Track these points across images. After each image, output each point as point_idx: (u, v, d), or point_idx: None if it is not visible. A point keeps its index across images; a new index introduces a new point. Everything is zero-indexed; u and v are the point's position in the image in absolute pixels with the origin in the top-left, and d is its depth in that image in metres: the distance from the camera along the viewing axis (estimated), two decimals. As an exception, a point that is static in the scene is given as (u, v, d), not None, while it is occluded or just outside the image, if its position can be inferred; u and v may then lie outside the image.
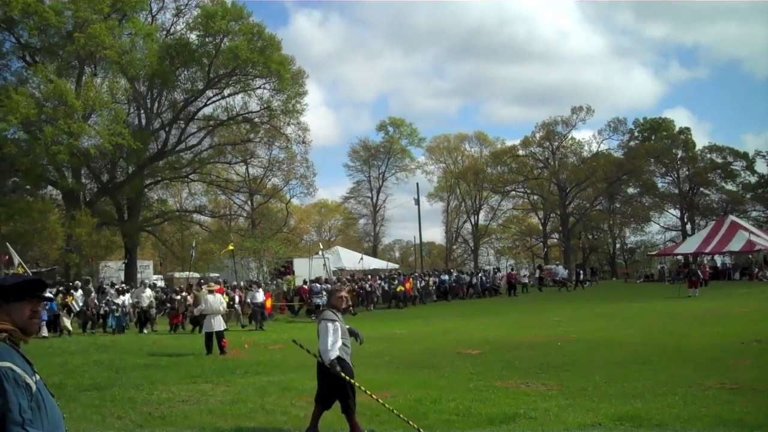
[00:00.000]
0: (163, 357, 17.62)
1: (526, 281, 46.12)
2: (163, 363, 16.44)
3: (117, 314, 26.52)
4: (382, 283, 37.95)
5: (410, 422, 8.24)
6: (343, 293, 9.30)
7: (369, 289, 36.09)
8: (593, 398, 10.41)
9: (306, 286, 33.78)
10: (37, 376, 3.44)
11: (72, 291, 27.13)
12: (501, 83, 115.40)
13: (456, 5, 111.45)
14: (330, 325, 8.52)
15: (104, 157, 38.56)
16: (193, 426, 9.45)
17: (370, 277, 37.68)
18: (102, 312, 27.11)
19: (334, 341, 8.46)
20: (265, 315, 27.96)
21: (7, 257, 27.35)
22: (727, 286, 40.34)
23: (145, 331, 26.43)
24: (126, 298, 27.47)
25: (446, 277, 42.69)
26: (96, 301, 27.22)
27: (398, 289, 36.38)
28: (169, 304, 27.87)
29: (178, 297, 27.49)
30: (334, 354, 8.42)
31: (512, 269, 48.54)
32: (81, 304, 26.98)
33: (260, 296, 27.67)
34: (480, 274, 45.21)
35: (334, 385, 8.52)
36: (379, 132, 73.18)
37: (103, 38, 33.51)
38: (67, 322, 25.48)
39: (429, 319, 28.28)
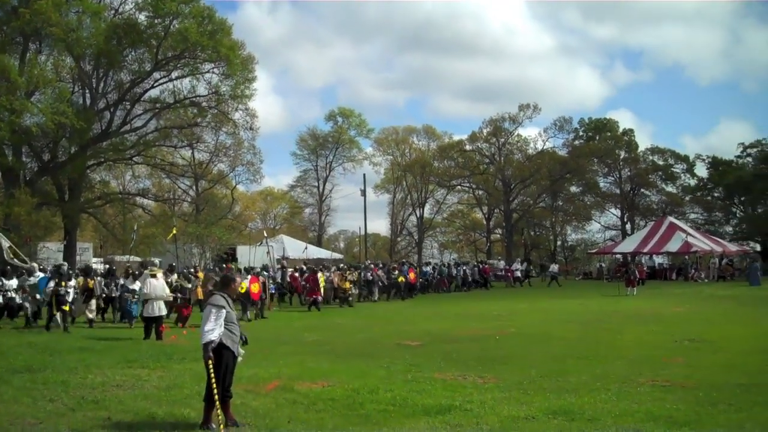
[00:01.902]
0: (99, 341, 17.33)
1: (519, 275, 46.53)
2: (99, 347, 16.18)
3: (135, 303, 21.61)
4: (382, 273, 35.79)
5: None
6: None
7: (370, 278, 34.14)
8: (528, 392, 10.56)
9: (296, 274, 32.22)
10: None
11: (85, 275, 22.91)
12: (449, 77, 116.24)
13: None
14: (214, 310, 8.41)
15: (46, 136, 37.68)
16: (127, 411, 9.32)
17: (372, 266, 35.84)
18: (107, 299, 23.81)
19: (215, 326, 8.33)
20: (254, 302, 24.75)
21: None
22: (663, 286, 41.26)
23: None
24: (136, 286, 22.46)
25: (428, 269, 42.13)
26: (105, 287, 23.69)
27: (399, 280, 34.96)
28: (180, 294, 22.27)
29: (189, 285, 23.56)
30: (210, 337, 8.28)
31: (484, 263, 48.03)
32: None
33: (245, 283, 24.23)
34: (464, 267, 44.16)
35: (206, 368, 8.40)
36: (328, 121, 73.08)
37: (49, 15, 32.70)
38: (87, 309, 21.83)
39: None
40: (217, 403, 8.12)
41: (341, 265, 38.71)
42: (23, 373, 12.25)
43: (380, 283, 34.43)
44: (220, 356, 8.39)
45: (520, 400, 9.91)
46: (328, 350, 15.80)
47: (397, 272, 35.56)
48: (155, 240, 41.29)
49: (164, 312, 18.25)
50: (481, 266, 45.84)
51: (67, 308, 20.56)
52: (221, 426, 8.03)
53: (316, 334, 18.77)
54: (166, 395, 10.33)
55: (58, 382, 11.39)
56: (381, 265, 38.33)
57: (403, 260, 45.88)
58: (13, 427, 8.51)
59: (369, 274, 34.09)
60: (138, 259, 35.02)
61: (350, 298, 30.86)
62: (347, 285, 31.00)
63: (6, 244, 25.15)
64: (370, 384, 11.05)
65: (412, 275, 36.43)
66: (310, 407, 9.48)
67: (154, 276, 18.87)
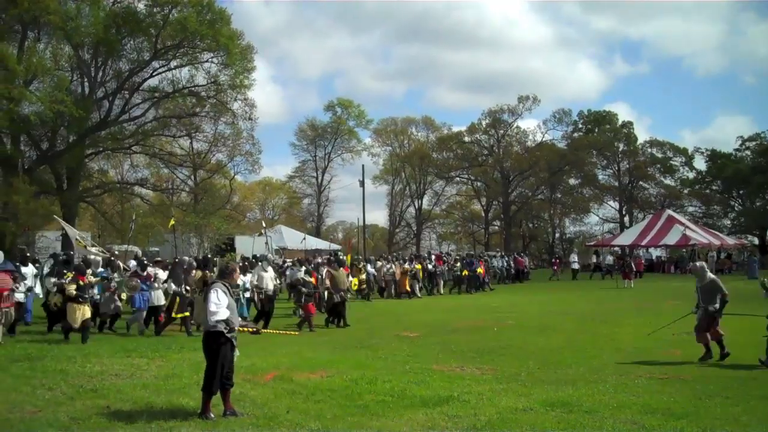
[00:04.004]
0: (97, 332, 17.30)
1: (576, 267, 44.48)
2: (98, 336, 16.21)
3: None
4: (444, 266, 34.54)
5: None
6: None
7: (432, 270, 32.83)
8: (526, 383, 10.62)
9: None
10: None
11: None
12: (447, 68, 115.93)
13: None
14: (218, 290, 8.61)
15: (45, 125, 37.49)
16: (125, 400, 9.35)
17: (434, 258, 34.60)
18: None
19: (219, 306, 8.49)
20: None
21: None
22: (661, 279, 41.32)
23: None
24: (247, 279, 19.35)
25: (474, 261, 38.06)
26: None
27: (463, 273, 33.46)
28: (303, 287, 19.52)
29: (310, 278, 20.59)
30: (219, 317, 8.45)
31: (519, 254, 46.25)
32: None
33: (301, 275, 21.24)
34: (506, 258, 42.59)
35: (206, 357, 8.53)
36: (326, 112, 72.80)
37: (47, 3, 32.51)
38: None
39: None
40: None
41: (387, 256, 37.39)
42: (22, 361, 12.27)
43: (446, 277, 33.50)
44: (219, 345, 8.44)
45: (518, 392, 9.95)
46: (326, 341, 15.85)
47: (458, 265, 34.33)
48: (154, 229, 41.22)
49: (163, 301, 17.92)
50: (516, 257, 43.95)
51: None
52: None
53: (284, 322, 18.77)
54: (165, 384, 10.35)
55: (56, 370, 11.42)
56: (445, 257, 37.10)
57: (471, 252, 44.47)
58: (13, 416, 8.52)
59: (432, 266, 32.96)
60: (136, 248, 35.00)
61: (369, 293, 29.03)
62: (406, 281, 29.68)
63: (74, 233, 24.84)
64: (369, 375, 11.10)
65: (481, 269, 34.81)
66: (309, 397, 9.52)
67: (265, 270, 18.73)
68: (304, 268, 21.67)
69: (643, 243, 49.97)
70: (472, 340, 15.65)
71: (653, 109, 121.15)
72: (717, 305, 12.97)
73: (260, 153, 50.58)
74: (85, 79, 39.94)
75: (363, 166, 57.55)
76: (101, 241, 50.74)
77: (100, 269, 18.17)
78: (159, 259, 21.29)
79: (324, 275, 21.24)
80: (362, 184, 54.45)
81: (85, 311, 15.35)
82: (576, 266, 44.54)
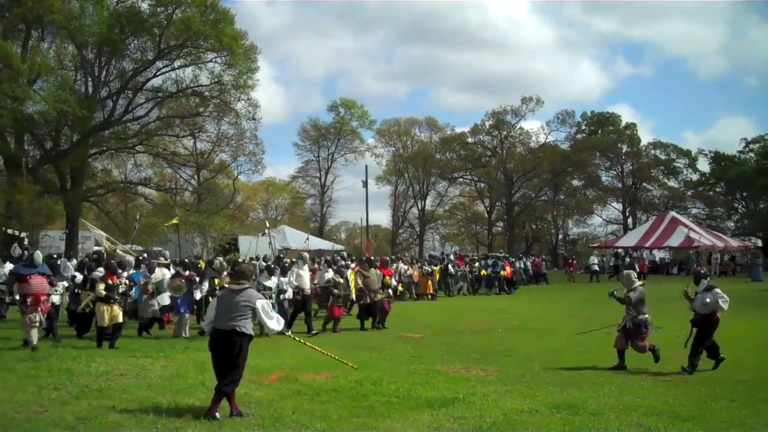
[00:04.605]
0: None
1: (597, 269, 43.73)
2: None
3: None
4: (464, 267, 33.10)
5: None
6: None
7: (452, 271, 31.71)
8: (531, 385, 10.62)
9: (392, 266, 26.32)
10: None
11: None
12: (450, 69, 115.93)
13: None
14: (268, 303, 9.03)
15: (49, 124, 37.64)
16: (131, 400, 9.35)
17: (452, 257, 33.89)
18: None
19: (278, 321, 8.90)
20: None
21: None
22: (665, 281, 41.23)
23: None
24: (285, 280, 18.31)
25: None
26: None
27: (482, 273, 32.84)
28: (335, 288, 18.68)
29: (341, 280, 19.27)
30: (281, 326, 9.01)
31: (536, 256, 45.59)
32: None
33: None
34: (524, 260, 41.72)
35: (237, 356, 8.61)
36: (330, 112, 72.91)
37: (51, 2, 32.60)
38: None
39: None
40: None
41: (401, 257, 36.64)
42: (27, 361, 12.28)
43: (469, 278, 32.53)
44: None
45: (523, 394, 9.95)
46: (330, 341, 15.83)
47: (477, 265, 33.53)
48: (157, 229, 41.26)
49: (167, 302, 17.21)
50: (533, 259, 43.35)
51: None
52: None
53: (318, 325, 18.73)
54: (170, 384, 10.37)
55: (62, 370, 11.42)
56: (466, 257, 36.14)
57: (498, 253, 43.79)
58: (19, 415, 8.52)
59: (451, 266, 31.98)
60: (140, 248, 35.01)
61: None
62: (428, 283, 29.00)
63: (102, 234, 24.70)
64: (374, 376, 11.09)
65: (508, 269, 34.10)
66: (314, 398, 9.52)
67: (160, 266, 18.22)
68: (332, 269, 20.34)
69: (646, 245, 49.88)
70: (477, 342, 15.67)
71: (656, 110, 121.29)
72: (646, 316, 12.76)
73: (263, 153, 50.81)
74: (89, 79, 40.05)
75: (366, 166, 57.58)
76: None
77: (132, 270, 17.55)
78: (165, 260, 20.78)
79: (354, 276, 20.04)
80: (365, 184, 54.43)
81: (115, 312, 14.26)
82: (596, 268, 43.99)
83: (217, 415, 8.32)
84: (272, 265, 19.04)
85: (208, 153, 51.19)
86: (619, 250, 50.85)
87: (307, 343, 10.32)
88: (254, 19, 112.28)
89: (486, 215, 73.95)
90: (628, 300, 12.73)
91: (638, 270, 36.36)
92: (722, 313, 12.13)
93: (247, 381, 10.05)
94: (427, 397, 9.58)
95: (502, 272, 33.40)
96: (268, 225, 37.49)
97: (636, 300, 12.70)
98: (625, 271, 14.55)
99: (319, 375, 11.12)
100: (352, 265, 22.39)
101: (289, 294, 18.08)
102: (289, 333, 11.41)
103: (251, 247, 36.98)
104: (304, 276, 18.34)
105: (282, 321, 9.18)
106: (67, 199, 39.43)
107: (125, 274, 15.75)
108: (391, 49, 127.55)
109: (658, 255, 54.09)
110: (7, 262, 20.97)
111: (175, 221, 34.16)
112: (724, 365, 12.25)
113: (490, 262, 34.38)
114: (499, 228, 73.67)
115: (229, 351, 8.54)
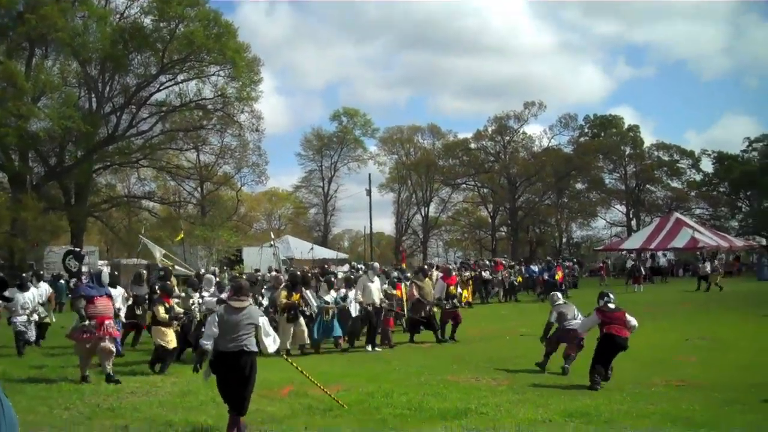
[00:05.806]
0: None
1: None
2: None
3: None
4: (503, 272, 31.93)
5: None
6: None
7: (488, 276, 30.75)
8: (543, 394, 10.58)
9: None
10: None
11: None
12: (451, 75, 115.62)
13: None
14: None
15: (53, 141, 37.82)
16: (143, 418, 9.31)
17: (492, 264, 32.54)
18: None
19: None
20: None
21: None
22: (671, 283, 41.15)
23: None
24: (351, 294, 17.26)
25: (535, 268, 35.35)
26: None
27: (518, 280, 32.38)
28: (386, 303, 17.26)
29: (395, 290, 18.49)
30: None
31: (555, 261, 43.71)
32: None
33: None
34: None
35: (250, 375, 8.53)
36: (332, 121, 73.04)
37: (55, 20, 32.83)
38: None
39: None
40: None
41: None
42: (38, 382, 12.23)
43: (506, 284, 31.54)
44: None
45: (536, 403, 9.89)
46: (338, 351, 15.83)
47: (513, 270, 32.73)
48: (162, 243, 41.28)
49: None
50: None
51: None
52: None
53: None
54: (181, 402, 10.32)
55: (72, 390, 11.35)
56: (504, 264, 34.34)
57: (549, 257, 42.54)
58: (31, 437, 8.51)
59: (487, 272, 30.99)
60: (144, 262, 34.99)
61: None
62: (468, 292, 27.59)
63: (158, 252, 24.47)
64: (385, 388, 11.03)
65: (559, 274, 31.97)
66: (326, 413, 9.47)
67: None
68: (387, 280, 19.17)
69: (651, 246, 49.74)
70: (485, 350, 15.64)
71: (658, 111, 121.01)
72: (579, 320, 12.87)
73: (267, 164, 50.85)
74: (93, 95, 40.24)
75: (369, 174, 57.70)
76: (109, 255, 50.98)
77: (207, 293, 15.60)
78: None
79: (409, 287, 18.82)
80: (369, 192, 54.50)
81: (172, 336, 13.48)
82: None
83: None
84: (332, 278, 18.06)
85: (211, 165, 51.30)
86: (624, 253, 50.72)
87: (299, 368, 10.05)
88: (254, 31, 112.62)
89: (490, 220, 73.82)
90: (549, 325, 13.50)
91: (643, 272, 36.16)
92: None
93: (259, 396, 10.00)
94: (440, 409, 9.52)
95: (558, 275, 31.77)
96: (273, 236, 37.54)
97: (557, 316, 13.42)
98: (552, 293, 14.95)
99: (329, 388, 11.07)
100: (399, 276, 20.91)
101: (354, 310, 16.96)
102: (284, 355, 11.29)
103: (256, 258, 36.95)
104: (372, 288, 16.77)
105: (278, 341, 9.01)
106: (71, 215, 39.56)
107: (196, 294, 14.91)
108: (392, 56, 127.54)
109: (662, 259, 53.88)
110: (41, 282, 19.14)
111: (181, 236, 34.18)
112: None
113: (542, 265, 33.64)
114: (503, 233, 73.57)
115: (239, 372, 8.39)
